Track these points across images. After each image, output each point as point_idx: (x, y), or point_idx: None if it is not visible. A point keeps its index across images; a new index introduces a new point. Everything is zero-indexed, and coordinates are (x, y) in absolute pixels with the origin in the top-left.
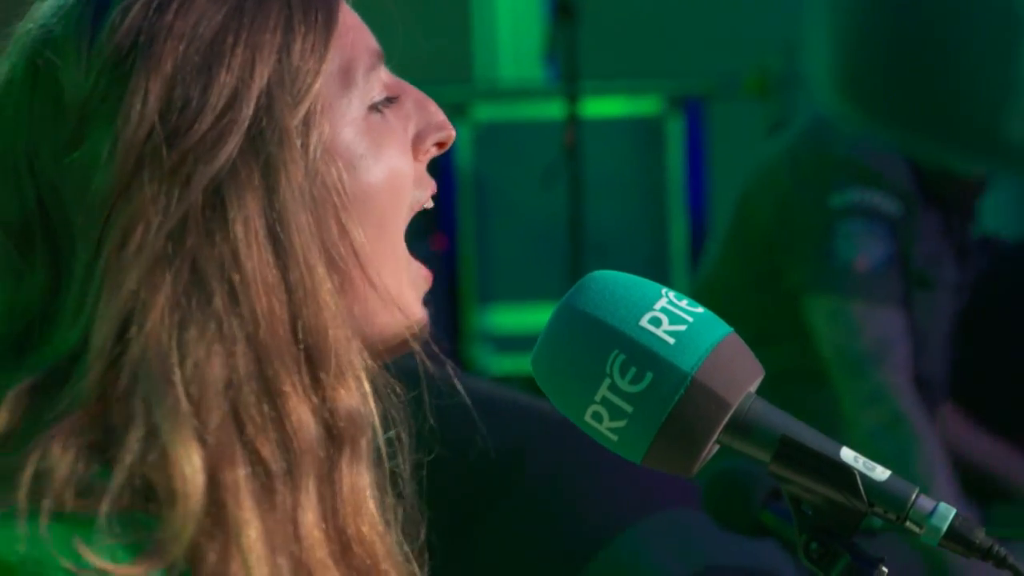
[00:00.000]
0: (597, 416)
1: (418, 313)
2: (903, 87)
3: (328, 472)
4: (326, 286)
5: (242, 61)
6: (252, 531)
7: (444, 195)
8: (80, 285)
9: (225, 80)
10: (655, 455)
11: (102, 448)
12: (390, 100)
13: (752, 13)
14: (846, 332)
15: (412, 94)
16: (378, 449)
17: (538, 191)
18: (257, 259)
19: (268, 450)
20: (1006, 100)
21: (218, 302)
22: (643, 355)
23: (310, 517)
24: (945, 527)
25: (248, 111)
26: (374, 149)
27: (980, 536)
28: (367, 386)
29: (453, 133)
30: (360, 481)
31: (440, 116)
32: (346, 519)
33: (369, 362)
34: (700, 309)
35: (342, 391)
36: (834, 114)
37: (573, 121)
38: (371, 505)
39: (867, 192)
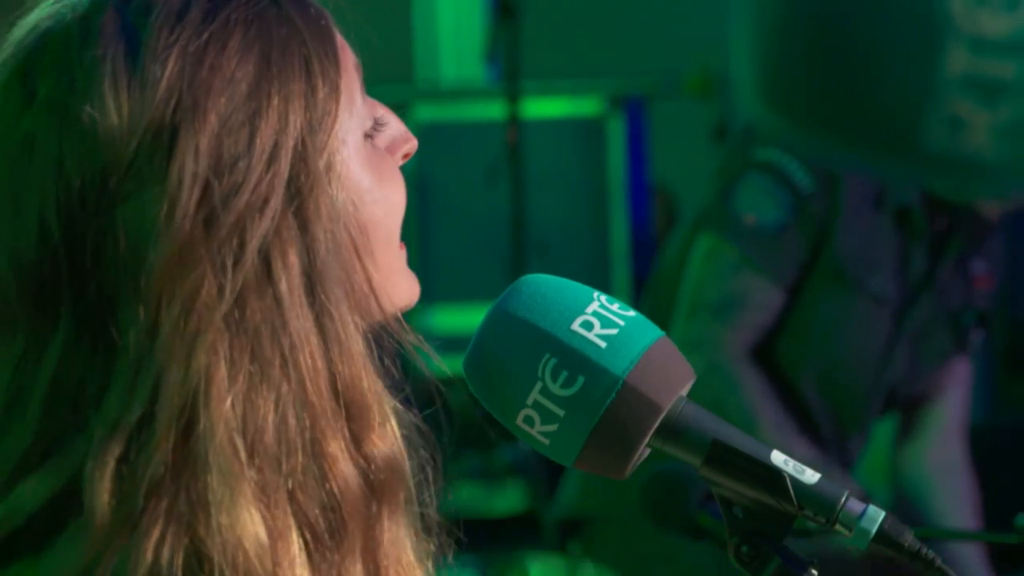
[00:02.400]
0: (529, 420)
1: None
2: (824, 94)
3: (371, 527)
4: (357, 334)
5: (279, 112)
6: None
7: None
8: (137, 352)
9: (266, 134)
10: (587, 458)
11: (188, 528)
12: (377, 124)
13: (693, 13)
14: (710, 275)
15: (379, 105)
16: (408, 490)
17: (480, 191)
18: (300, 318)
19: (314, 515)
20: (924, 107)
21: (274, 369)
22: (574, 359)
23: (358, 569)
24: (874, 530)
25: (287, 163)
26: (376, 179)
27: (909, 539)
28: (398, 431)
29: (415, 143)
30: (399, 531)
31: (402, 127)
32: (388, 572)
33: (394, 403)
34: (632, 313)
35: (379, 441)
36: (757, 120)
37: (515, 121)
38: (409, 554)
39: (786, 157)
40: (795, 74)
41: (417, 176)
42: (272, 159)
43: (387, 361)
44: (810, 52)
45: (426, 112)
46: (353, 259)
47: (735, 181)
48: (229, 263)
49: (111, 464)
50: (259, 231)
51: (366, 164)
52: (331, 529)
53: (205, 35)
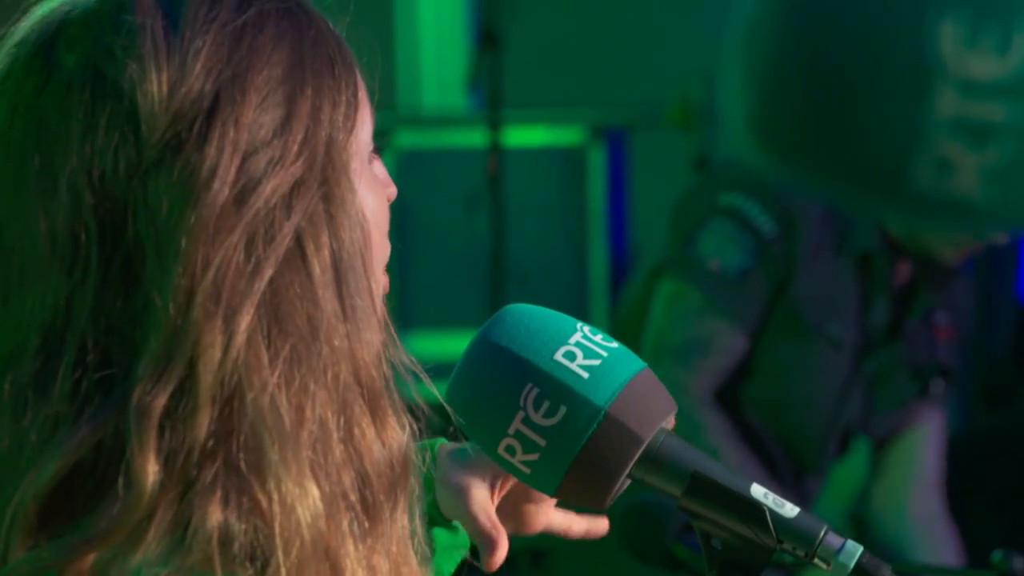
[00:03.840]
0: (510, 449)
1: None
2: (813, 133)
3: (393, 514)
4: (373, 329)
5: (312, 101)
6: None
7: None
8: (174, 312)
9: (300, 118)
10: (567, 488)
11: (248, 492)
12: (376, 150)
13: (675, 45)
14: (674, 319)
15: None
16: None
17: (460, 219)
18: (330, 303)
19: (356, 495)
20: (913, 149)
21: (310, 345)
22: (557, 389)
23: (385, 566)
24: (852, 564)
25: (320, 151)
26: (374, 200)
27: (886, 573)
28: (406, 423)
29: (396, 191)
30: (405, 522)
31: (386, 172)
32: (401, 569)
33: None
34: (615, 344)
35: (396, 431)
36: (746, 156)
37: (496, 150)
38: (413, 552)
39: (748, 202)
40: (785, 113)
41: (397, 203)
42: (305, 143)
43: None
44: (801, 92)
45: (407, 139)
46: (362, 266)
47: (698, 226)
48: (263, 236)
49: (155, 419)
50: (293, 210)
51: (370, 184)
52: (366, 510)
53: (242, 18)
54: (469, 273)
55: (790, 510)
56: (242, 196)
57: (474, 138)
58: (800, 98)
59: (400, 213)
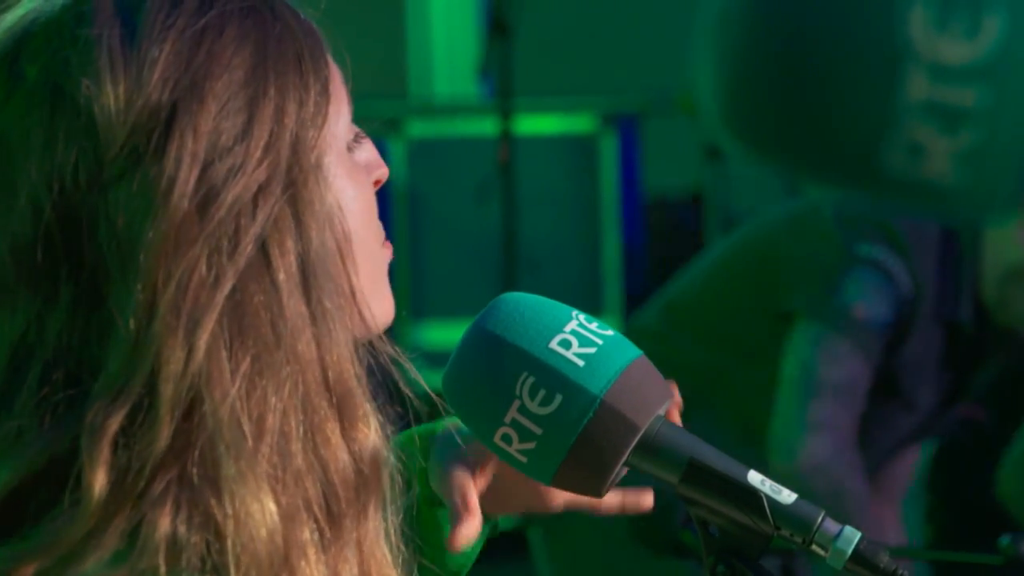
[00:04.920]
0: (507, 438)
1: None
2: (785, 119)
3: (361, 520)
4: (345, 330)
5: (275, 102)
6: None
7: (378, 210)
8: (135, 327)
9: (263, 121)
10: (564, 477)
11: (200, 505)
12: (358, 137)
13: (685, 31)
14: (824, 358)
15: (359, 132)
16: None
17: (472, 207)
18: (296, 308)
19: (319, 504)
20: (884, 133)
21: (274, 353)
22: (552, 377)
23: (354, 570)
24: (850, 550)
25: (284, 154)
26: (354, 189)
27: (885, 560)
28: (379, 427)
29: (387, 171)
30: (380, 531)
31: (376, 152)
32: (369, 567)
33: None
34: (610, 332)
35: (366, 434)
36: (722, 143)
37: (507, 138)
38: (387, 555)
39: (892, 257)
40: (757, 99)
41: (409, 192)
42: (268, 147)
43: (377, 374)
44: (771, 78)
45: (419, 128)
46: (339, 263)
47: (842, 275)
48: (226, 246)
49: (109, 436)
50: (257, 217)
51: (349, 174)
52: (331, 517)
53: (201, 22)
54: (481, 262)
55: (787, 496)
56: (203, 206)
57: (485, 126)
58: (771, 83)
59: (411, 202)
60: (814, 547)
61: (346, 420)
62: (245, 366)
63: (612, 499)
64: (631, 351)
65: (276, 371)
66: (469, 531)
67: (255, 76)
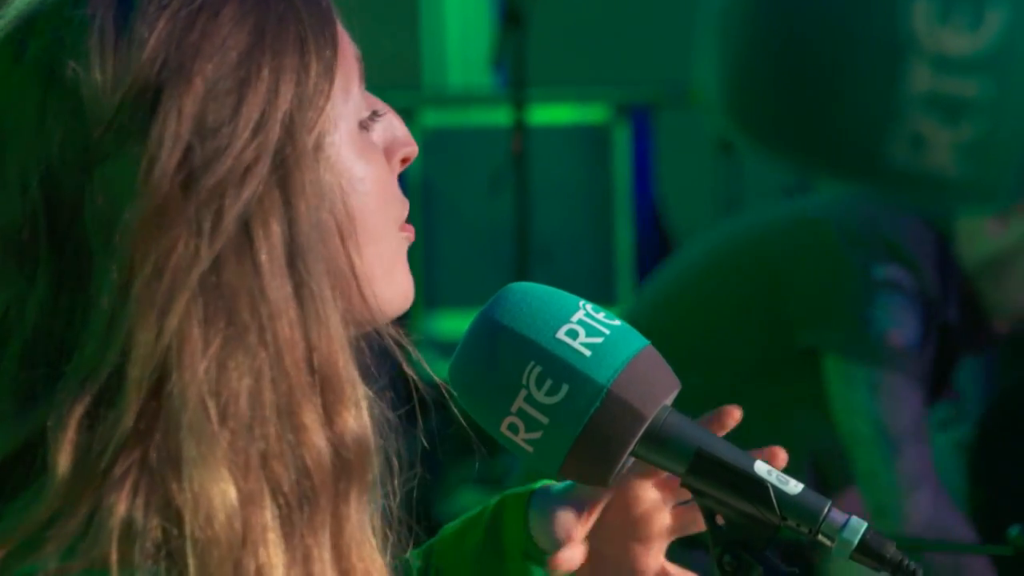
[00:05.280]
0: (513, 428)
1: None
2: (788, 111)
3: (339, 504)
4: (336, 315)
5: (268, 83)
6: (278, 574)
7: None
8: (110, 308)
9: (253, 103)
10: (571, 467)
11: (160, 485)
12: (375, 115)
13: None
14: (887, 406)
15: (379, 105)
16: (375, 475)
17: (485, 197)
18: (279, 289)
19: (289, 486)
20: (887, 125)
21: (250, 335)
22: (559, 367)
23: (326, 555)
24: (856, 540)
25: (274, 135)
26: (365, 167)
27: (891, 550)
28: (367, 416)
29: (416, 148)
30: (364, 515)
31: (404, 130)
32: (351, 556)
33: (367, 392)
34: (617, 322)
35: (350, 419)
36: (725, 133)
37: (520, 128)
38: (372, 540)
39: (906, 274)
40: (760, 91)
41: (422, 182)
42: (258, 129)
43: (388, 363)
44: (775, 70)
45: (432, 118)
46: (337, 243)
47: (868, 305)
48: (207, 227)
49: (75, 418)
50: (240, 198)
51: (360, 153)
52: (302, 500)
53: (198, 2)
54: (494, 252)
55: (794, 487)
56: (186, 187)
57: (499, 117)
58: (774, 75)
59: (424, 192)
60: (821, 537)
61: (329, 405)
62: (215, 347)
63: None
64: (638, 341)
65: (251, 353)
66: (573, 555)
67: (249, 57)
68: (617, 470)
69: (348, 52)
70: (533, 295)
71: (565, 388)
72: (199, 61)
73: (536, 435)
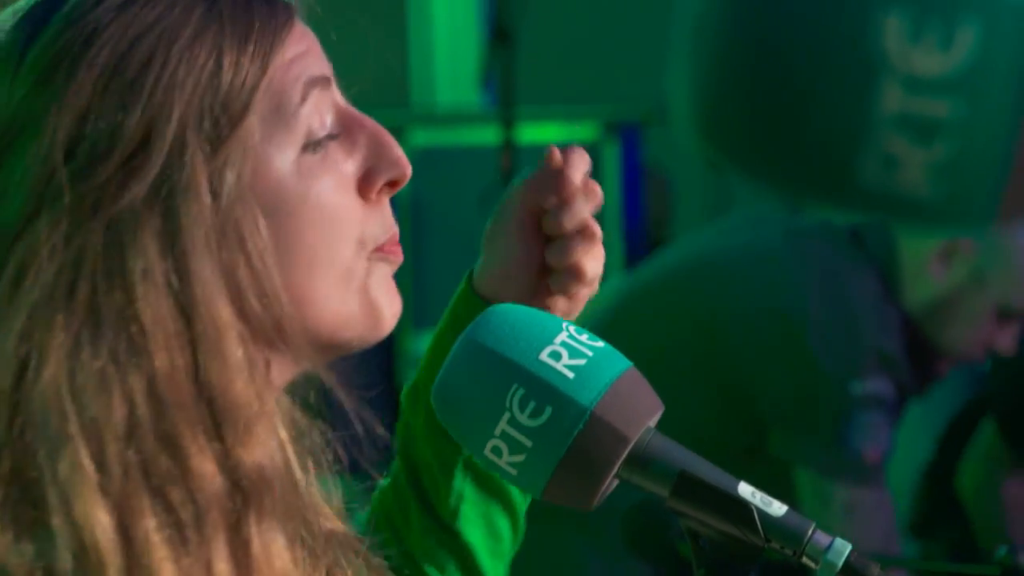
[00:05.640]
0: (497, 450)
1: (375, 333)
2: (759, 130)
3: (237, 525)
4: (232, 338)
5: (160, 102)
6: None
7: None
8: None
9: (138, 121)
10: (555, 489)
11: (24, 507)
12: (331, 137)
13: None
14: (860, 525)
15: (366, 128)
16: (286, 501)
17: (475, 216)
18: (156, 308)
19: (177, 498)
20: (859, 145)
21: (117, 351)
22: (542, 389)
23: (223, 567)
24: (840, 562)
25: (158, 156)
26: (302, 190)
27: (875, 572)
28: (282, 435)
29: (406, 170)
30: (270, 536)
31: (393, 152)
32: (260, 573)
33: (289, 407)
34: (600, 344)
35: (249, 446)
36: (696, 153)
37: (510, 146)
38: (286, 560)
39: (885, 383)
40: (731, 110)
41: (411, 200)
42: (138, 150)
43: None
44: (746, 89)
45: (421, 137)
46: (242, 267)
47: (846, 423)
48: (66, 238)
49: None
50: (107, 213)
51: (293, 173)
52: (192, 521)
53: (102, 10)
54: None
55: (778, 508)
56: (59, 192)
57: (488, 135)
58: (746, 94)
59: (414, 210)
60: (805, 559)
61: (224, 430)
62: (84, 362)
63: None
64: (621, 362)
65: (123, 372)
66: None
67: (145, 73)
68: (601, 493)
69: (294, 70)
70: (516, 317)
71: (548, 410)
72: (89, 73)
73: (520, 458)
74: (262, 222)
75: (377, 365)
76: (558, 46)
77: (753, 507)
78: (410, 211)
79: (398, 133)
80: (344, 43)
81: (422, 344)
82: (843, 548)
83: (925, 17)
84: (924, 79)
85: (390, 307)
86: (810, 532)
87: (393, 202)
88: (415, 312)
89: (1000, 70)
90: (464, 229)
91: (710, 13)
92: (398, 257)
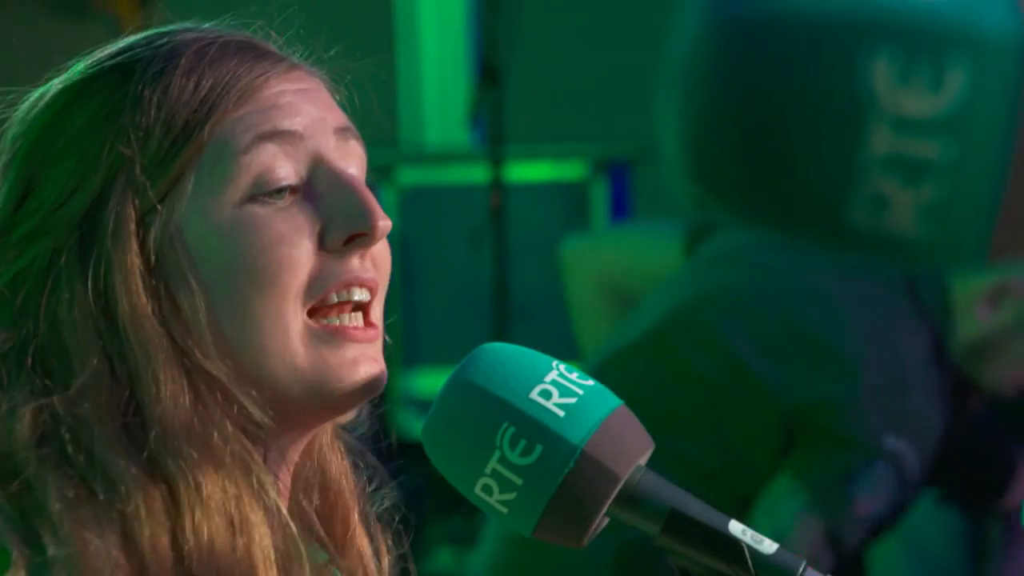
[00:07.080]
0: (487, 489)
1: (336, 390)
2: (749, 171)
3: None
4: (180, 383)
5: (90, 158)
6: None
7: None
8: None
9: (68, 175)
10: (545, 527)
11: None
12: (278, 192)
13: None
14: (813, 548)
15: (339, 181)
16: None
17: (463, 255)
18: (84, 350)
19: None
20: (848, 186)
21: (59, 386)
22: (533, 428)
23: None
24: None
25: (81, 203)
26: (239, 239)
27: None
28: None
29: (371, 224)
30: None
31: (354, 207)
32: None
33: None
34: (590, 382)
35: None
36: (685, 195)
37: (498, 185)
38: None
39: (910, 448)
40: (721, 151)
41: (400, 239)
42: (64, 200)
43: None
44: (736, 130)
45: (410, 176)
46: (169, 313)
47: (863, 468)
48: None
49: None
50: (32, 253)
51: (232, 225)
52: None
53: (76, 84)
54: (473, 309)
55: (768, 546)
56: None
57: (476, 174)
58: (735, 135)
59: (403, 250)
60: None
61: (152, 455)
62: (21, 392)
63: None
64: (612, 401)
65: (64, 406)
66: None
67: (88, 132)
68: (592, 531)
69: (245, 125)
70: (506, 355)
71: (539, 449)
72: (33, 133)
73: (510, 496)
74: (196, 272)
75: (367, 404)
76: (547, 85)
77: (744, 544)
78: (399, 250)
79: (387, 172)
80: (332, 82)
81: (413, 383)
82: None
83: (914, 59)
84: (913, 120)
85: (343, 368)
86: (801, 570)
87: None
88: (405, 350)
89: (989, 110)
90: (453, 267)
91: (699, 55)
92: (360, 336)
